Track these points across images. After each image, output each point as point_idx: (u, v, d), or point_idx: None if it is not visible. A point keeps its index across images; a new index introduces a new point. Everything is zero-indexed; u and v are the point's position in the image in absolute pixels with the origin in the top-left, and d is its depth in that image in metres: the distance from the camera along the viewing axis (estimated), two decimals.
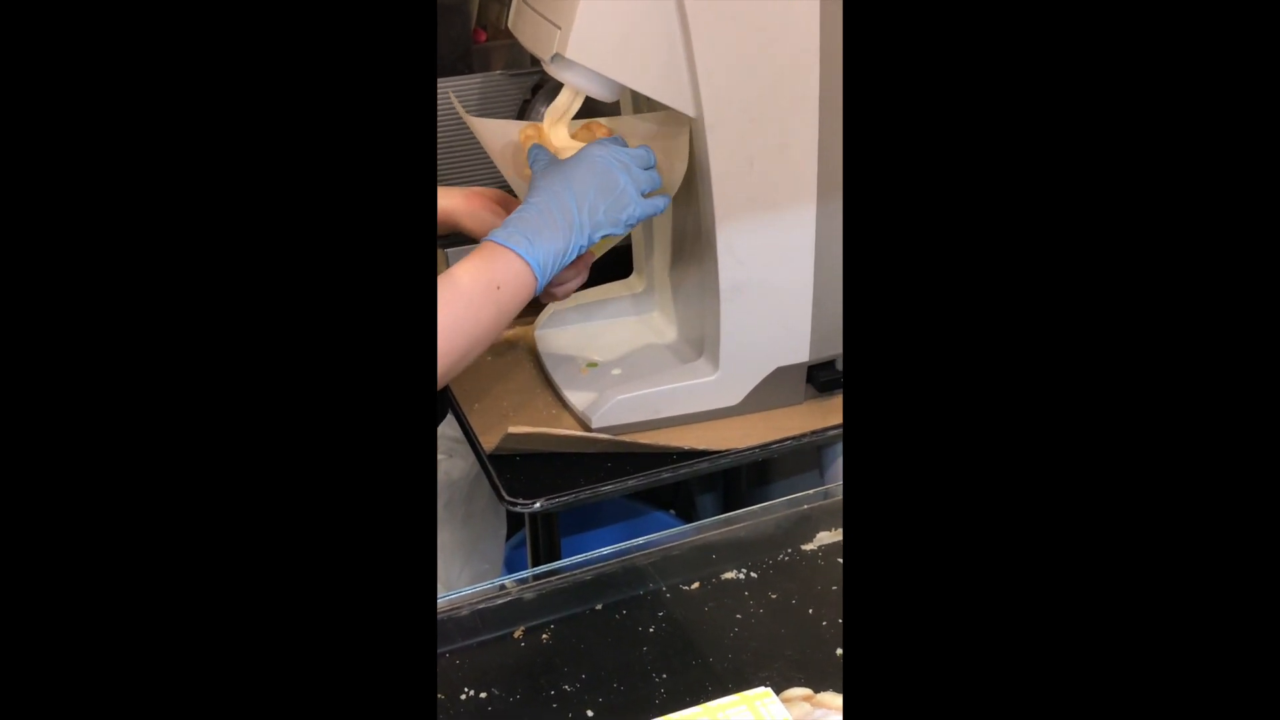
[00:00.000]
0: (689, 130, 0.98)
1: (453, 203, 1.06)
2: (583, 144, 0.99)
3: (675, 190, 1.00)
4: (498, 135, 1.09)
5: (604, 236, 0.95)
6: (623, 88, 0.96)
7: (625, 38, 0.90)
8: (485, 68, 1.42)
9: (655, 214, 0.98)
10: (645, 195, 0.96)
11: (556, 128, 1.02)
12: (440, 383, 0.91)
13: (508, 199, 1.08)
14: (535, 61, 1.07)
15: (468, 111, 1.10)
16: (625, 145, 0.98)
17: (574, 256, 0.94)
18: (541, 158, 0.99)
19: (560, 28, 0.90)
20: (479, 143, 1.09)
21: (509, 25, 1.02)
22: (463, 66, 1.41)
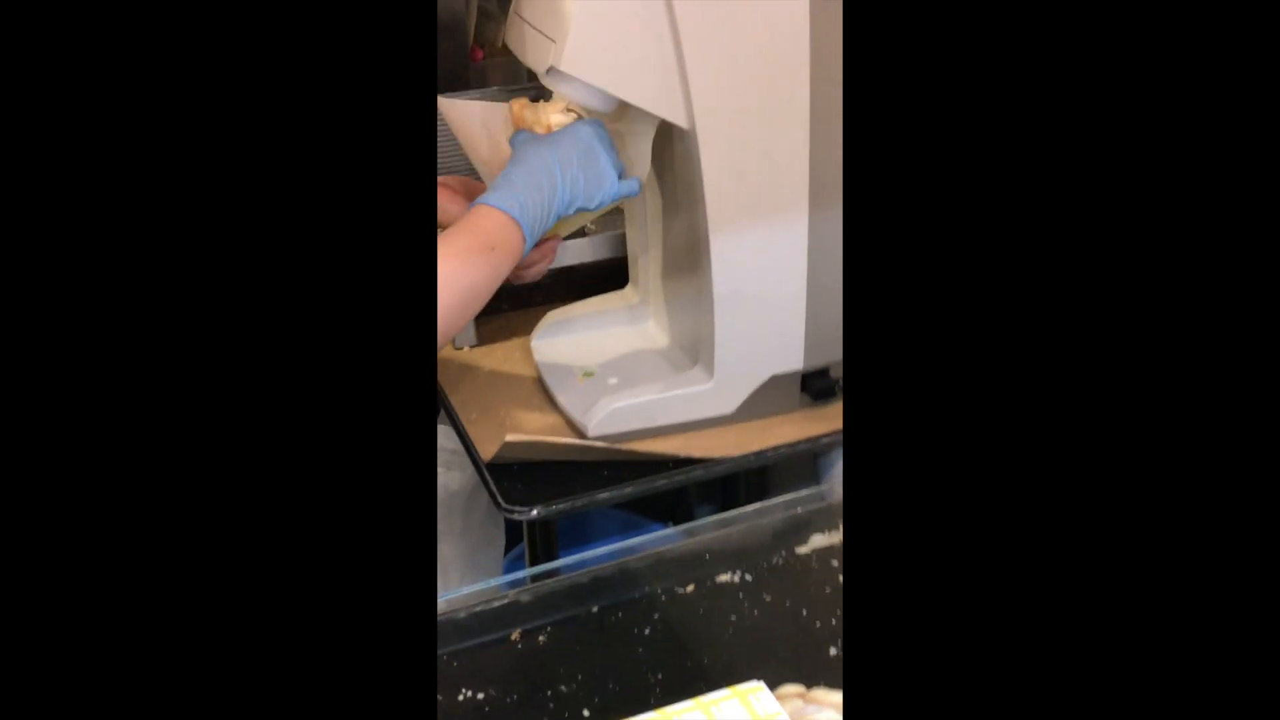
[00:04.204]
0: (653, 127, 0.99)
1: None
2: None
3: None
4: (472, 118, 1.08)
5: (577, 212, 0.96)
6: (618, 99, 0.98)
7: (619, 51, 0.92)
8: (482, 85, 1.44)
9: (629, 196, 0.98)
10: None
11: (548, 109, 1.03)
12: (440, 344, 0.89)
13: (471, 184, 1.07)
14: (532, 78, 1.08)
15: (463, 121, 1.11)
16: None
17: (553, 222, 0.94)
18: (525, 136, 0.99)
19: (555, 41, 0.92)
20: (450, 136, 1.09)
21: (504, 39, 1.04)
22: (460, 84, 1.43)
